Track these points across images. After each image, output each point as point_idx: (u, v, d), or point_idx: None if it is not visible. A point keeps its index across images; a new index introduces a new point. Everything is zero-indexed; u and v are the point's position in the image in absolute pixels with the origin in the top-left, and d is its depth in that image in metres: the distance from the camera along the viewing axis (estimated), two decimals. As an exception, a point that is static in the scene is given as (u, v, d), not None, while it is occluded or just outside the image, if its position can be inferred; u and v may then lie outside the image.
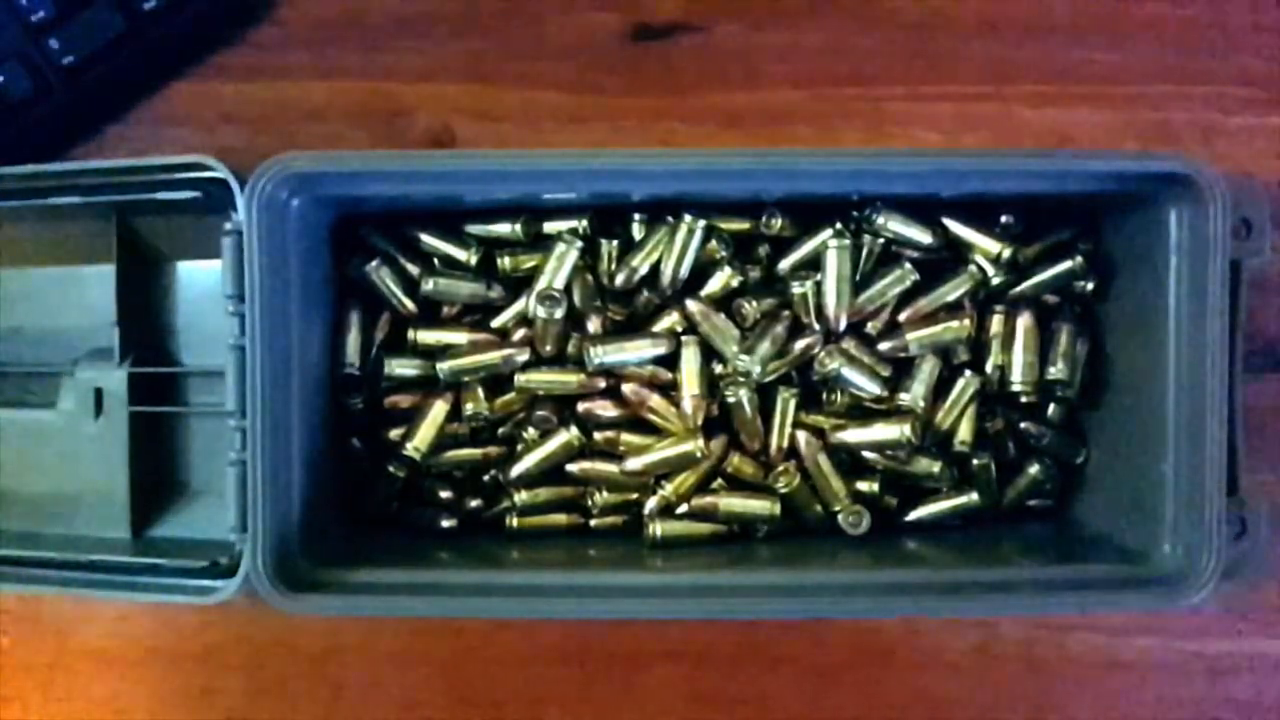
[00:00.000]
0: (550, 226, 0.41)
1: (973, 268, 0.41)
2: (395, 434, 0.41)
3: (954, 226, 0.41)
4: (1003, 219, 0.41)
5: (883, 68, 0.43)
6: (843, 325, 0.40)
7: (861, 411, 0.41)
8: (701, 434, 0.39)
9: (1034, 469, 0.42)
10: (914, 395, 0.40)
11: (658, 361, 0.40)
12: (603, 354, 0.39)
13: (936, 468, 0.41)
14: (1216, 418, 0.35)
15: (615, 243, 0.41)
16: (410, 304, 0.41)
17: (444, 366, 0.40)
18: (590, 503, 0.42)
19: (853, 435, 0.41)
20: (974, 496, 0.42)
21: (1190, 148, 0.43)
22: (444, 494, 0.42)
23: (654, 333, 0.41)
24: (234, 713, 0.44)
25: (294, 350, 0.36)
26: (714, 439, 0.40)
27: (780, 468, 0.41)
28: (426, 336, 0.41)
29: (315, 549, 0.37)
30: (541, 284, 0.40)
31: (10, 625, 0.44)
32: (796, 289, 0.40)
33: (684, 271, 0.40)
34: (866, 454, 0.41)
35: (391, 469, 0.41)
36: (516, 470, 0.41)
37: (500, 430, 0.42)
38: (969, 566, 0.38)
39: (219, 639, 0.44)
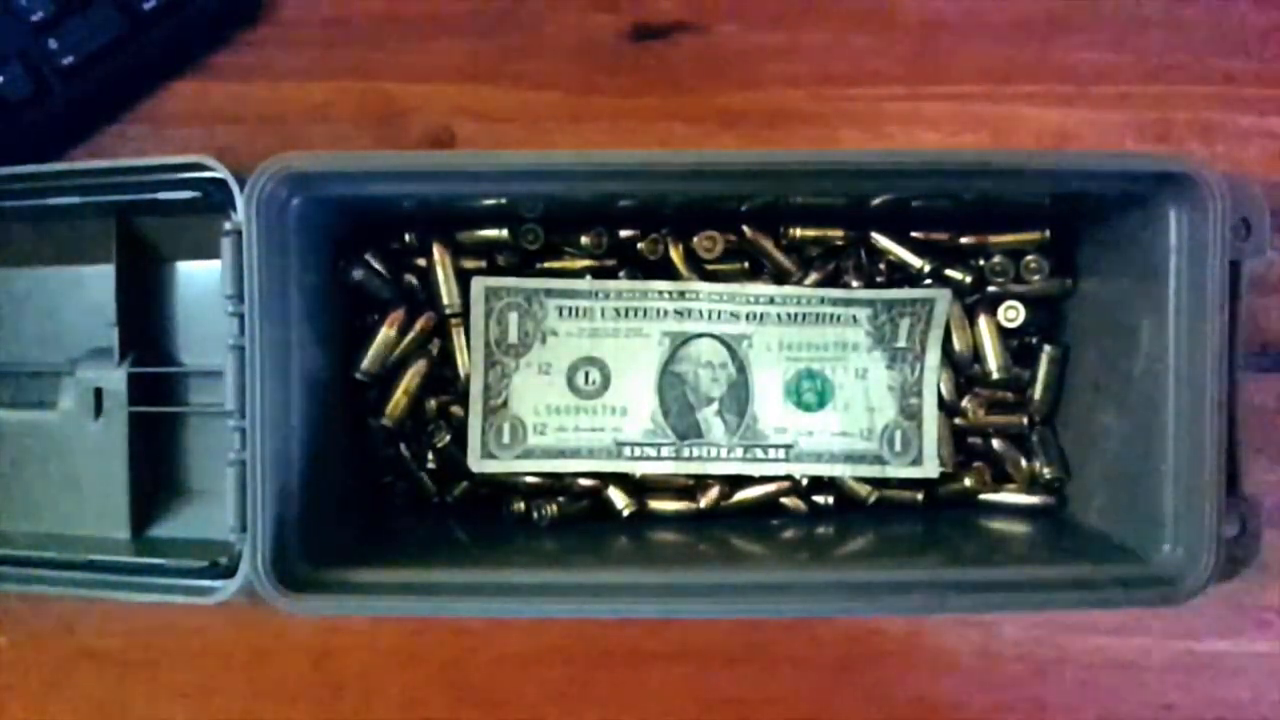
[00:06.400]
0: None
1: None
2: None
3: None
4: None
5: (883, 68, 0.43)
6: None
7: None
8: None
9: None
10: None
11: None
12: None
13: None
14: (1216, 417, 0.35)
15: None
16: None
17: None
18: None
19: None
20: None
21: (1190, 148, 0.43)
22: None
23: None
24: (234, 713, 0.44)
25: (293, 350, 0.36)
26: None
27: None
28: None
29: (315, 549, 0.37)
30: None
31: (10, 625, 0.44)
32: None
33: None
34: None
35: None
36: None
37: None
38: (969, 566, 0.38)
39: (219, 639, 0.44)
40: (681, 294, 0.42)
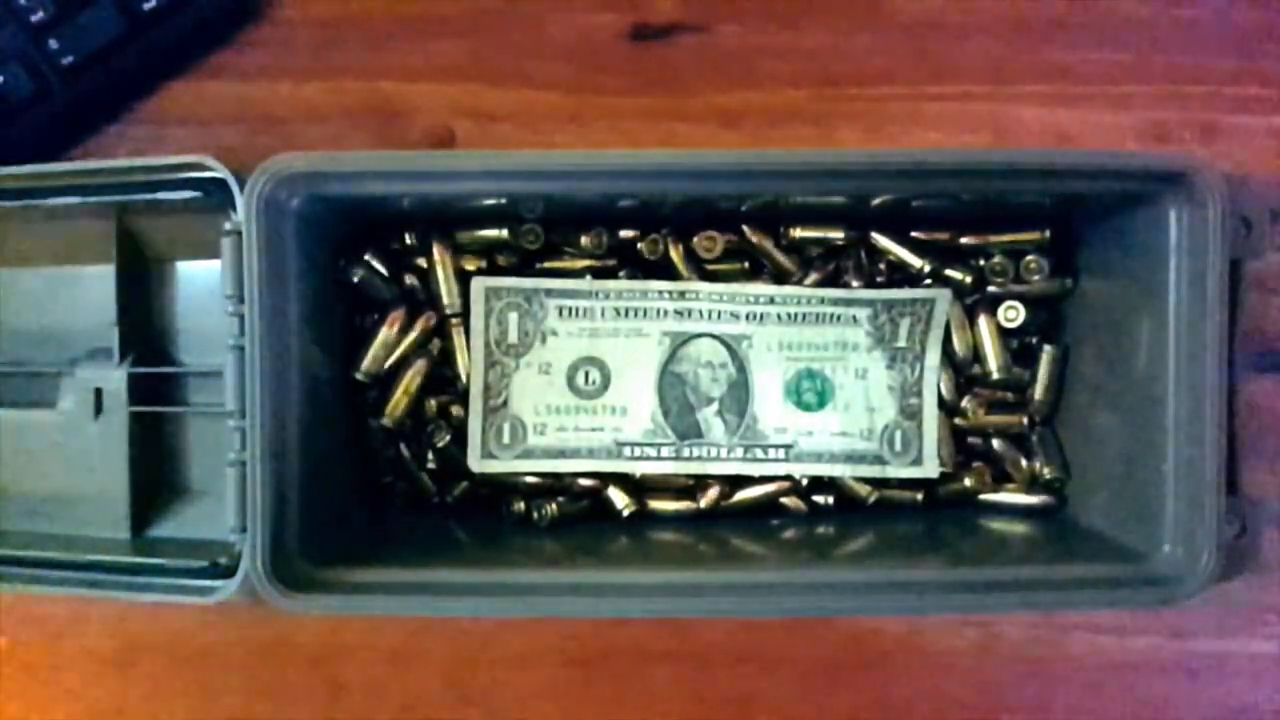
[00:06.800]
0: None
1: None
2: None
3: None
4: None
5: (883, 68, 0.43)
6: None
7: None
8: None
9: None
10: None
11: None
12: None
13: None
14: (1216, 417, 0.35)
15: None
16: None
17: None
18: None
19: None
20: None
21: (1190, 148, 0.43)
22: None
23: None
24: (234, 713, 0.44)
25: (293, 350, 0.36)
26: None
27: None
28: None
29: (315, 549, 0.37)
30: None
31: (10, 625, 0.44)
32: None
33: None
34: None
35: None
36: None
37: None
38: (969, 566, 0.38)
39: (219, 639, 0.44)
40: (681, 294, 0.42)
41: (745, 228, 0.42)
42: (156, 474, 0.42)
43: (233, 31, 0.43)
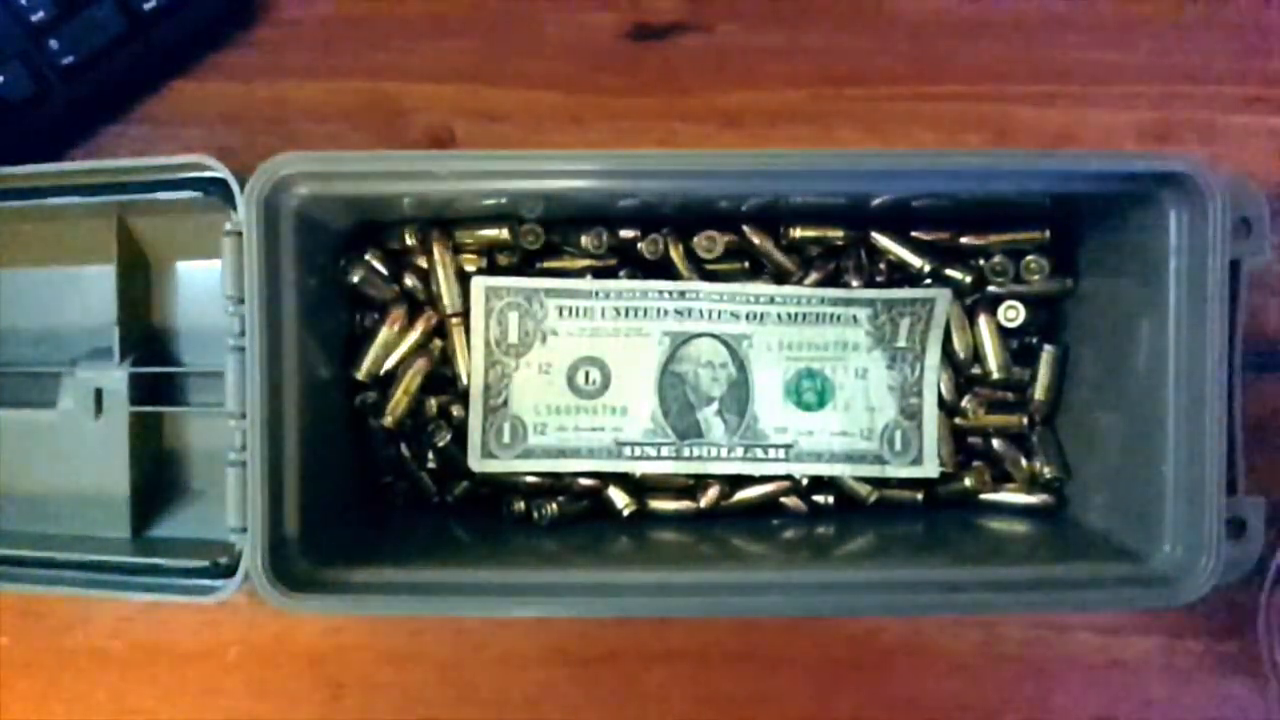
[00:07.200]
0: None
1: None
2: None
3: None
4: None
5: (883, 68, 0.44)
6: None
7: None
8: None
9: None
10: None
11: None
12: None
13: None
14: (1216, 418, 0.35)
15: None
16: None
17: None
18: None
19: None
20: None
21: (1190, 148, 0.43)
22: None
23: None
24: (234, 713, 0.44)
25: (294, 350, 0.36)
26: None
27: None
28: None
29: (315, 548, 0.37)
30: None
31: (10, 625, 0.44)
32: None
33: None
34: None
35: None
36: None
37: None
38: (969, 566, 0.38)
39: (219, 639, 0.44)
40: (681, 294, 0.42)
41: (745, 228, 0.42)
42: (156, 474, 0.42)
43: (233, 31, 0.43)
